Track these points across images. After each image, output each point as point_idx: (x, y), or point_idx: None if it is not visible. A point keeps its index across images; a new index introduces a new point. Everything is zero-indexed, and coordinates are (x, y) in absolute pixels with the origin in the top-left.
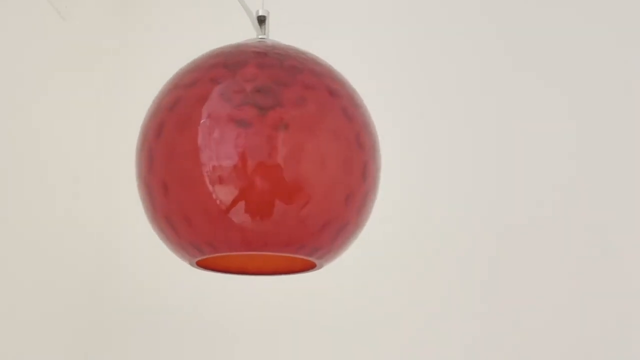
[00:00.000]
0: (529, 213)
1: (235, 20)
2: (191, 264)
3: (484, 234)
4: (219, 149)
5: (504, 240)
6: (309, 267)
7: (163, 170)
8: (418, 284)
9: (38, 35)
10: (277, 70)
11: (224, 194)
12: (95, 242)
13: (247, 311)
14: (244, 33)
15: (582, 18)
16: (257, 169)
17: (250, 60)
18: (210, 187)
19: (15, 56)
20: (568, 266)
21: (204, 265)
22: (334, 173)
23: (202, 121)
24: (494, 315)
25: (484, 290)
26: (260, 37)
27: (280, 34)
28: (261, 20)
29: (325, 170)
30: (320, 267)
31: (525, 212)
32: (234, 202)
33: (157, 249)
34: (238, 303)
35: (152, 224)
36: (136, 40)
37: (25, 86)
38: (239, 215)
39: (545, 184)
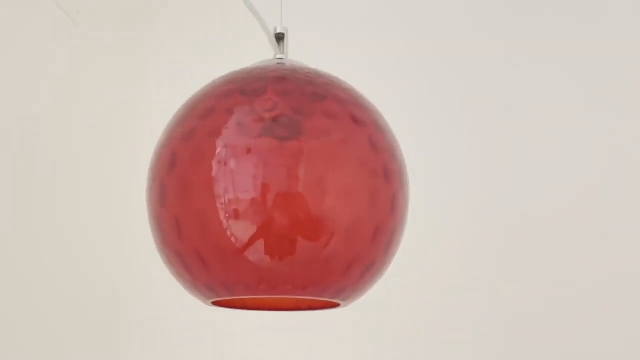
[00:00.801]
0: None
1: (251, 36)
2: (206, 304)
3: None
4: (235, 182)
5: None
6: (332, 304)
7: (176, 206)
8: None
9: (53, 40)
10: (298, 98)
11: (241, 231)
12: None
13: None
14: (260, 51)
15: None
16: (276, 203)
17: (268, 86)
18: (225, 224)
19: (32, 61)
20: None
21: (220, 303)
22: (360, 207)
23: (217, 152)
24: None
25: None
26: (278, 56)
27: (298, 52)
28: (279, 38)
29: (349, 204)
30: (345, 306)
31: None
32: (252, 240)
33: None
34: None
35: (163, 261)
36: (145, 52)
37: (41, 88)
38: (257, 255)
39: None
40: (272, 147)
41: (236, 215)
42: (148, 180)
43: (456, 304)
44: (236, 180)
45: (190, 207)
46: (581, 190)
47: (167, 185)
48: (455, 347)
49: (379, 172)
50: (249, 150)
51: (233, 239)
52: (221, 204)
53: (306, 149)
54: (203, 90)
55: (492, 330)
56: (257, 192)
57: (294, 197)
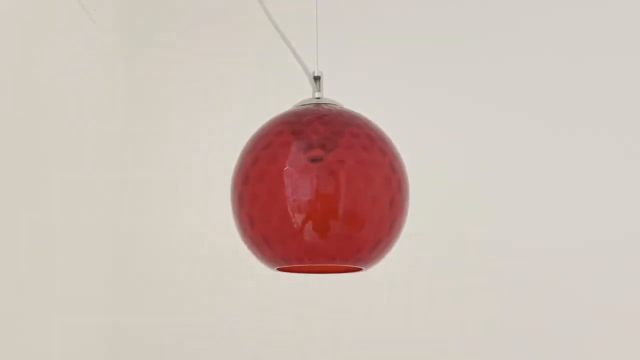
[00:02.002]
0: None
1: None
2: (274, 270)
3: None
4: (295, 187)
5: None
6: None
7: (249, 207)
8: None
9: (71, 35)
10: (333, 125)
11: (292, 222)
12: None
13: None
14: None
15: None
16: (317, 204)
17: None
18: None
19: (52, 54)
20: None
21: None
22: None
23: (284, 168)
24: None
25: None
26: (316, 95)
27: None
28: (316, 78)
29: (371, 200)
30: (366, 270)
31: None
32: (301, 228)
33: None
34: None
35: (245, 243)
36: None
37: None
38: (307, 236)
39: None
40: (313, 166)
41: (290, 212)
42: (230, 191)
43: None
44: (295, 185)
45: (257, 208)
46: None
47: (243, 195)
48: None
49: (389, 174)
50: (298, 169)
51: (287, 228)
52: (279, 205)
53: (340, 167)
54: (259, 132)
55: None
56: (308, 196)
57: (332, 198)
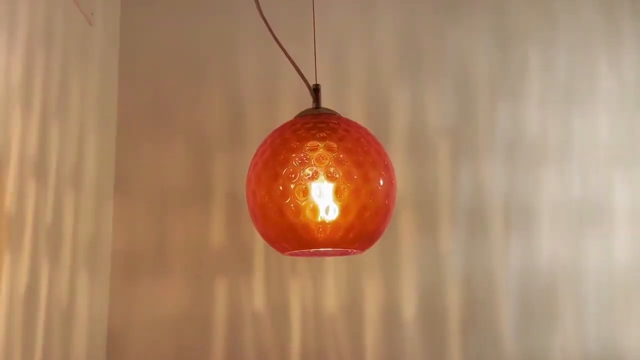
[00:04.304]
0: None
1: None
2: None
3: None
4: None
5: None
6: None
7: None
8: None
9: (70, 37)
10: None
11: (298, 218)
12: None
13: None
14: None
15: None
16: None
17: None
18: (291, 214)
19: (52, 55)
20: None
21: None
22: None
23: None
24: None
25: None
26: (314, 104)
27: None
28: (316, 90)
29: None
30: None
31: None
32: (309, 223)
33: None
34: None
35: (260, 234)
36: None
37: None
38: (312, 229)
39: None
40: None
41: (296, 211)
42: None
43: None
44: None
45: (259, 204)
46: None
47: (256, 194)
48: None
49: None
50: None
51: (296, 222)
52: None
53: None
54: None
55: None
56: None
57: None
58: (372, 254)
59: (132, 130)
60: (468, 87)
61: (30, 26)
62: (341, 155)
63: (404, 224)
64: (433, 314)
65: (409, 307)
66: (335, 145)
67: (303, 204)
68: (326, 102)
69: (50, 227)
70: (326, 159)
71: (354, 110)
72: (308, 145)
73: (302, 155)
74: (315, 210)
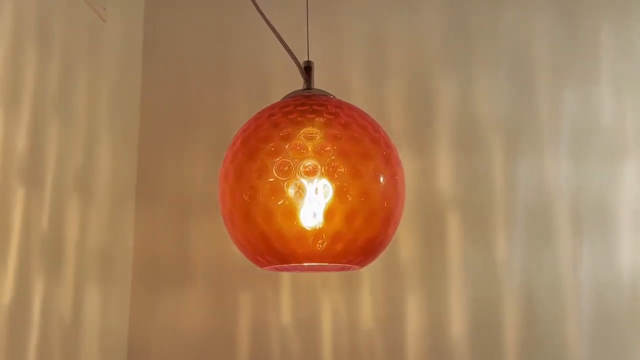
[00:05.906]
0: None
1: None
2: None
3: None
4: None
5: None
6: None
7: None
8: None
9: (82, 34)
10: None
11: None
12: None
13: None
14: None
15: None
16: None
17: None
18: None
19: (64, 53)
20: None
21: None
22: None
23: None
24: None
25: None
26: (305, 84)
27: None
28: (308, 68)
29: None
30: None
31: None
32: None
33: None
34: None
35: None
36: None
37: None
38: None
39: None
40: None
41: (287, 214)
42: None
43: None
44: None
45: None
46: None
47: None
48: None
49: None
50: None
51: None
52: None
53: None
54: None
55: None
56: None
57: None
58: (413, 262)
59: (155, 134)
60: (527, 73)
61: (17, 21)
62: (324, 144)
63: (452, 229)
64: (486, 334)
65: (458, 325)
66: (315, 132)
67: (275, 206)
68: (359, 93)
69: (45, 237)
70: (305, 149)
71: (393, 101)
72: (282, 132)
73: (272, 145)
74: (290, 214)
